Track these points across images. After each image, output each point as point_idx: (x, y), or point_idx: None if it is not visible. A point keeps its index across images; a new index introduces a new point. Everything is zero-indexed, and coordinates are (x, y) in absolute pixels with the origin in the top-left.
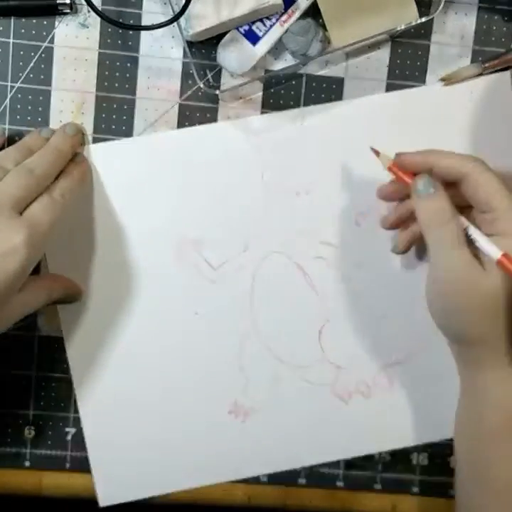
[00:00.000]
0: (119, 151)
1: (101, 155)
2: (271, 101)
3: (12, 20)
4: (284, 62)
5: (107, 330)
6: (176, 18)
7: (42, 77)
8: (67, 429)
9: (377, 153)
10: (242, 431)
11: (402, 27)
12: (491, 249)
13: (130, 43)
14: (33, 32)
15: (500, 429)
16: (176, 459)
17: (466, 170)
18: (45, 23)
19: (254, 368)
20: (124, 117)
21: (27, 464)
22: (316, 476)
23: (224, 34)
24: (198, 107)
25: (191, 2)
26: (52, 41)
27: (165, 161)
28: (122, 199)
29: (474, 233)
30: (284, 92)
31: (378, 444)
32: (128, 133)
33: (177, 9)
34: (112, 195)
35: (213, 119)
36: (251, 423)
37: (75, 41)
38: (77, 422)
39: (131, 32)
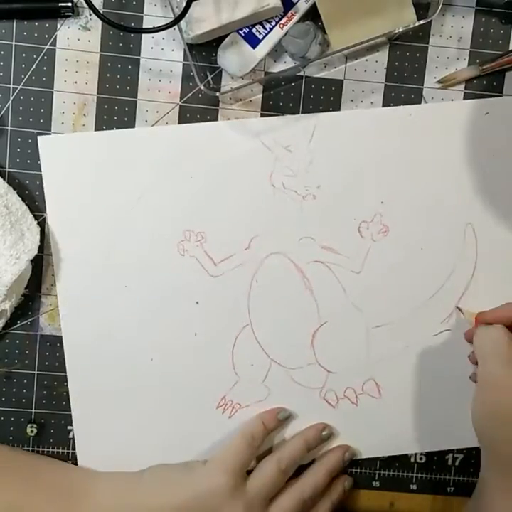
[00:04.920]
0: (125, 141)
1: (105, 143)
2: (270, 103)
3: (14, 22)
4: (283, 65)
5: (106, 316)
6: (176, 21)
7: (44, 79)
8: (69, 427)
9: (461, 310)
10: (229, 426)
11: (401, 30)
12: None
13: (131, 46)
14: (35, 34)
15: None
16: (163, 451)
17: None
18: (47, 25)
19: (245, 365)
20: (125, 119)
21: None
22: None
23: (224, 37)
24: (198, 109)
25: (192, 5)
26: (54, 44)
27: (175, 154)
28: (129, 190)
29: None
30: (283, 94)
31: (364, 451)
32: None
33: (178, 12)
34: (119, 186)
35: (213, 120)
36: (238, 419)
37: (76, 44)
38: None
39: (132, 34)
